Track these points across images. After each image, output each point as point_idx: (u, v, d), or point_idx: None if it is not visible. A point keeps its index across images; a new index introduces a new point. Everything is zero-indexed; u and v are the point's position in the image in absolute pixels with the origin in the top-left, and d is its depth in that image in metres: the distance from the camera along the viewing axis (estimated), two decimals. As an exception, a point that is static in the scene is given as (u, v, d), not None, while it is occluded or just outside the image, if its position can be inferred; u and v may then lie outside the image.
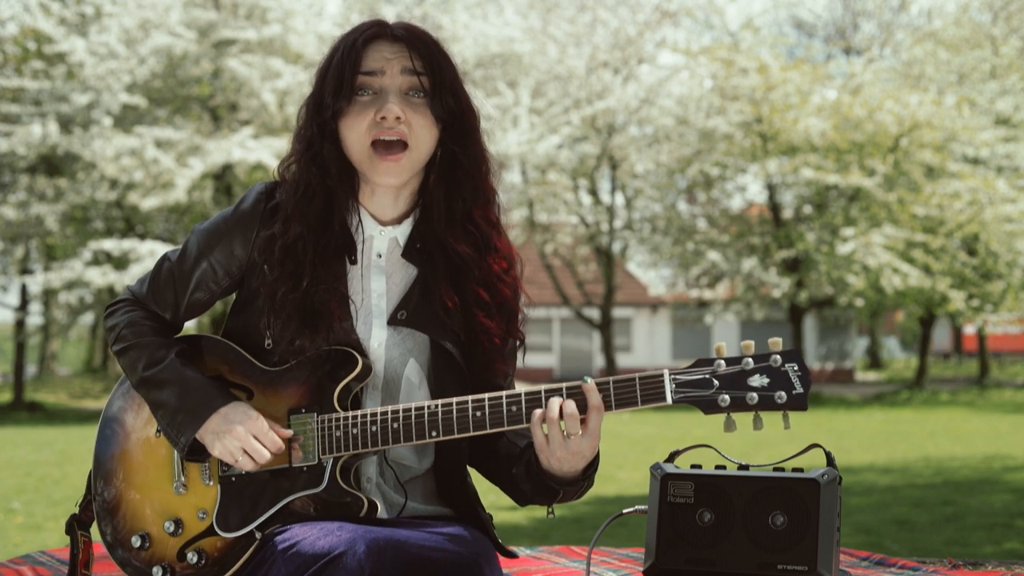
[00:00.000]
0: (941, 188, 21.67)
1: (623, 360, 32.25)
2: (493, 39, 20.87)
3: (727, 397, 1.90)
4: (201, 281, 2.13)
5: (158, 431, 2.11)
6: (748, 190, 25.35)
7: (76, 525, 2.23)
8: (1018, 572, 2.52)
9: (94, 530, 2.22)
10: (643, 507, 2.17)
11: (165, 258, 2.17)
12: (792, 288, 22.56)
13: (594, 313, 26.66)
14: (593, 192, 24.66)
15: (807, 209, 23.49)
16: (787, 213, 23.85)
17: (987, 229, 21.93)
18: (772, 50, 23.34)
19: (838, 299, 23.06)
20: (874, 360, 44.60)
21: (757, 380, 1.90)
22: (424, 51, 2.04)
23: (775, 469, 2.10)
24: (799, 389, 1.89)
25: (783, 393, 1.89)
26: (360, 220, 2.11)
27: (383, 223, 2.12)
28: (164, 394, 2.06)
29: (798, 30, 37.06)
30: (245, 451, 1.99)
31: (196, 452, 2.06)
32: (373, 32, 2.05)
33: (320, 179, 2.05)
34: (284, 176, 2.10)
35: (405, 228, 2.12)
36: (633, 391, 1.91)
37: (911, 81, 24.37)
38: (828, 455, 2.12)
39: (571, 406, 1.92)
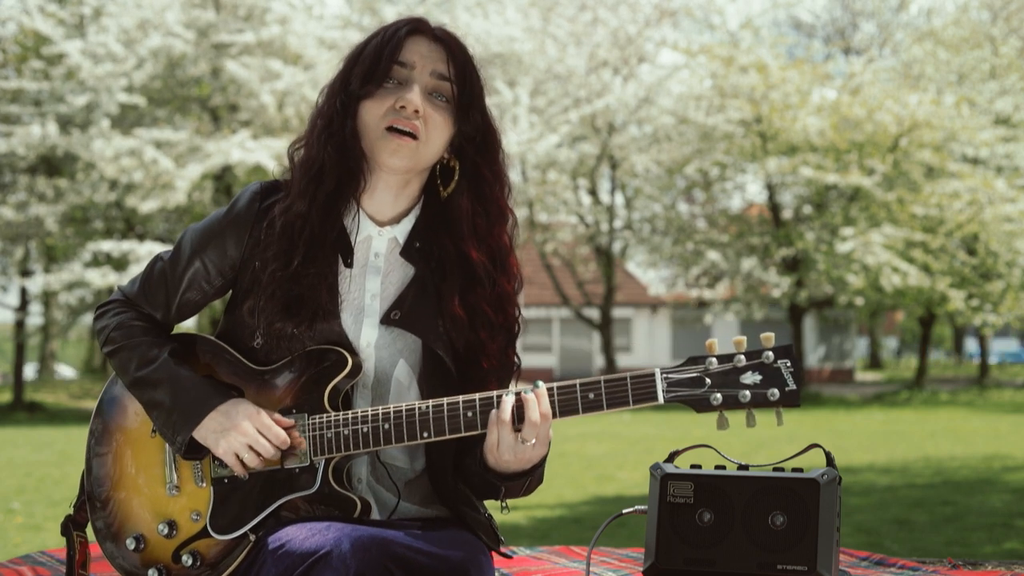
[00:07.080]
0: (940, 188, 21.67)
1: (623, 360, 32.23)
2: (493, 38, 20.85)
3: (719, 395, 1.89)
4: (193, 280, 2.11)
5: (153, 431, 2.10)
6: (747, 190, 25.37)
7: (72, 526, 2.22)
8: (1018, 572, 2.52)
9: (89, 530, 2.21)
10: (643, 507, 2.17)
11: (158, 258, 2.16)
12: (792, 288, 22.55)
13: (594, 313, 26.64)
14: (593, 192, 24.64)
15: (807, 209, 23.48)
16: (787, 213, 23.84)
17: (987, 229, 21.94)
18: (772, 50, 23.34)
19: (838, 299, 23.04)
20: (874, 361, 44.59)
21: (749, 377, 1.88)
22: (460, 59, 2.06)
23: (775, 469, 2.10)
24: (791, 386, 1.87)
25: (776, 390, 1.87)
26: (359, 220, 2.09)
27: (381, 223, 2.11)
28: (159, 393, 2.05)
29: (797, 30, 37.09)
30: (251, 447, 1.98)
31: (194, 450, 2.05)
32: (416, 26, 2.06)
33: (335, 159, 2.04)
34: (292, 158, 2.10)
35: (404, 227, 2.11)
36: (624, 391, 1.90)
37: (910, 81, 24.39)
38: (828, 455, 2.11)
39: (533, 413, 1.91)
